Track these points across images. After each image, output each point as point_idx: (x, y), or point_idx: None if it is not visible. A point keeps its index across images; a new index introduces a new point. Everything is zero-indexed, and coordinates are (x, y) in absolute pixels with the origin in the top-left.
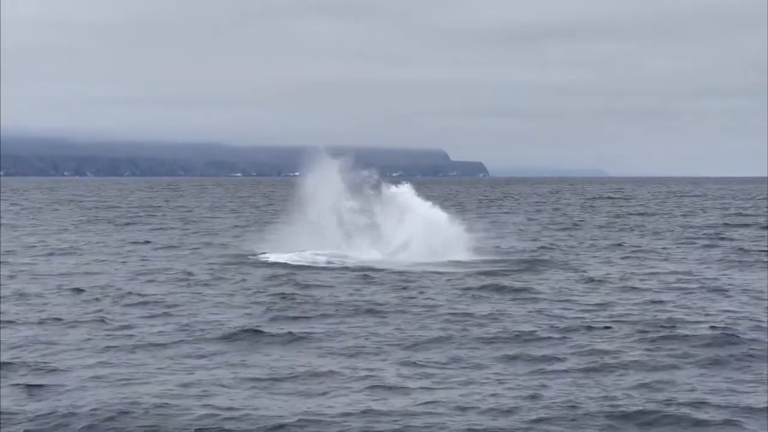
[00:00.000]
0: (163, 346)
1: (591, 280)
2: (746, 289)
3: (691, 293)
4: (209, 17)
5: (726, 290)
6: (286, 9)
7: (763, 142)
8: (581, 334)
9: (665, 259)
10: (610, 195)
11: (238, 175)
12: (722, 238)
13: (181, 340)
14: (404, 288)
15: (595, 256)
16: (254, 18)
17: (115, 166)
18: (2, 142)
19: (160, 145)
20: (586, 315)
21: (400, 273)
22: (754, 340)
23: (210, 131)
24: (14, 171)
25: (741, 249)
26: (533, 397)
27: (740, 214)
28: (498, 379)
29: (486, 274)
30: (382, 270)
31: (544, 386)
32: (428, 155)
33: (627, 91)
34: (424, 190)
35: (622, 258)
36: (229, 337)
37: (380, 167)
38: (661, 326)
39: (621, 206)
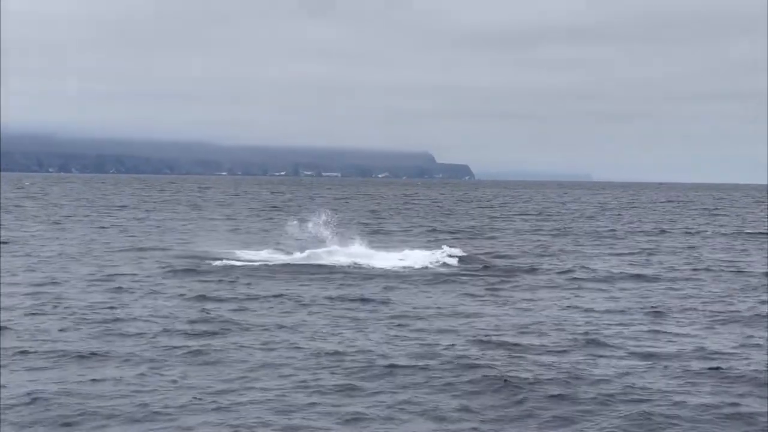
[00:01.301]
0: None
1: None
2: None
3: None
4: (196, 15)
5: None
6: (273, 9)
7: (757, 148)
8: None
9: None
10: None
11: (224, 173)
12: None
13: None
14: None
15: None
16: (242, 17)
17: (101, 163)
18: None
19: (146, 142)
20: None
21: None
22: None
23: (196, 130)
24: None
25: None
26: None
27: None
28: None
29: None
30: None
31: None
32: (414, 157)
33: (615, 95)
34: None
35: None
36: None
37: (367, 168)
38: None
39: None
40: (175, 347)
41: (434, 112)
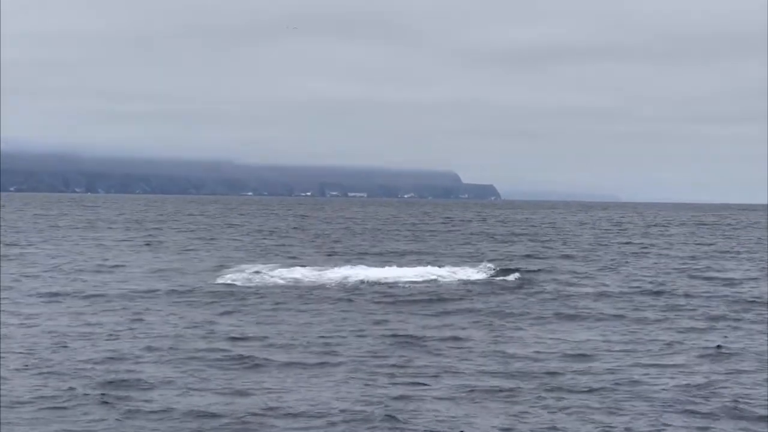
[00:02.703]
0: None
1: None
2: None
3: None
4: (219, 33)
5: None
6: (298, 27)
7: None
8: None
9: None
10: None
11: (250, 194)
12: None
13: None
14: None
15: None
16: (264, 36)
17: (127, 183)
18: (12, 157)
19: (172, 162)
20: None
21: None
22: None
23: (222, 149)
24: (24, 187)
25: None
26: None
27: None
28: None
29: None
30: None
31: None
32: (440, 177)
33: (641, 115)
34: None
35: None
36: None
37: (393, 188)
38: None
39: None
40: None
41: (459, 131)
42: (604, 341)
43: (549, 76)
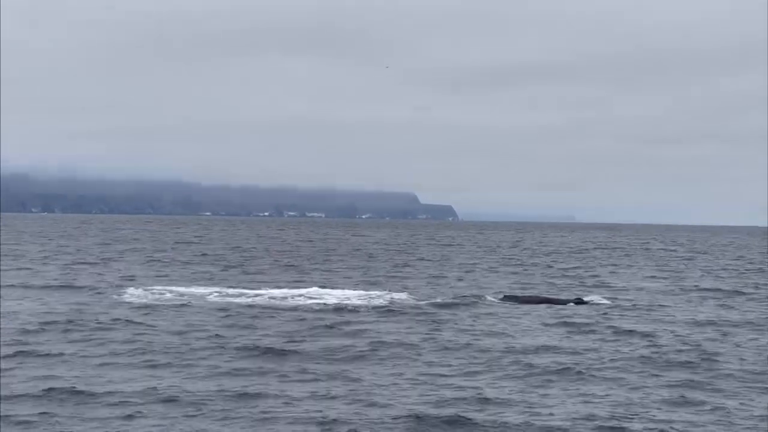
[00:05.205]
0: None
1: None
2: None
3: None
4: (176, 53)
5: None
6: (252, 46)
7: (740, 189)
8: None
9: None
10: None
11: (208, 214)
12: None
13: None
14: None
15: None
16: (222, 55)
17: (84, 203)
18: None
19: (129, 182)
20: None
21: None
22: None
23: (180, 169)
24: None
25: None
26: None
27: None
28: None
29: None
30: None
31: None
32: (398, 198)
33: (598, 136)
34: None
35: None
36: None
37: (351, 208)
38: None
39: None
40: None
41: (417, 151)
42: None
43: (507, 96)
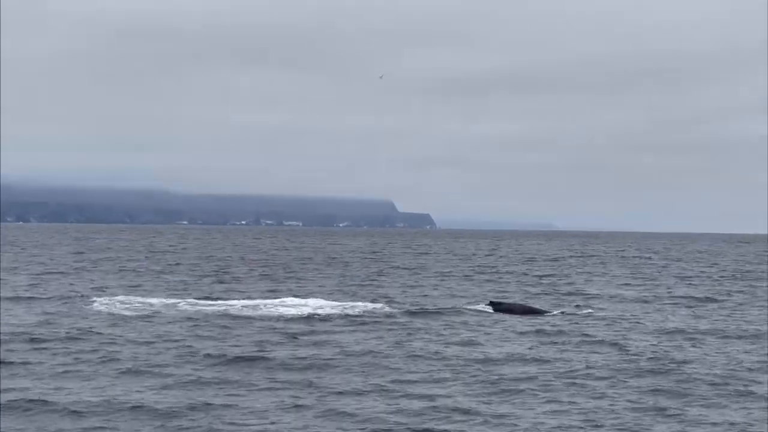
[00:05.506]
0: None
1: None
2: None
3: None
4: (154, 62)
5: None
6: (229, 56)
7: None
8: None
9: None
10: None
11: (185, 222)
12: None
13: None
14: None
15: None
16: (197, 64)
17: (61, 212)
18: None
19: (107, 191)
20: None
21: None
22: None
23: (158, 178)
24: None
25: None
26: None
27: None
28: None
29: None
30: None
31: None
32: (376, 206)
33: (574, 144)
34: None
35: None
36: None
37: (329, 217)
38: None
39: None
40: None
41: (396, 159)
42: None
43: (485, 105)
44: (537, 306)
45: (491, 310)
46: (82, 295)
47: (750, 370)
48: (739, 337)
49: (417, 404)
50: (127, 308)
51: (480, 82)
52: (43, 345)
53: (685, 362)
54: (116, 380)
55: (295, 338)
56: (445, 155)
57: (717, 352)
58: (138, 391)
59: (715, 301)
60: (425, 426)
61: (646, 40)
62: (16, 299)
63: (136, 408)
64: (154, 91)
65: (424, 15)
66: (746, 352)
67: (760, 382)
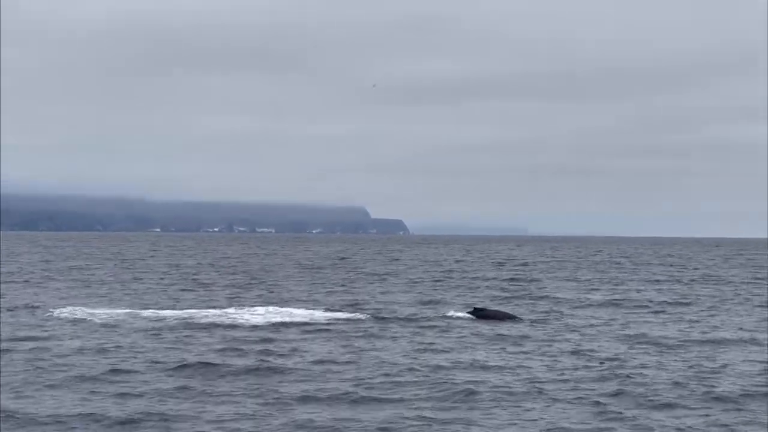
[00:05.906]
0: None
1: None
2: None
3: None
4: (127, 68)
5: None
6: (200, 61)
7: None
8: None
9: None
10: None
11: (157, 230)
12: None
13: None
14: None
15: None
16: (167, 71)
17: (32, 220)
18: None
19: (79, 199)
20: None
21: None
22: None
23: (130, 185)
24: None
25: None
26: None
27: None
28: None
29: None
30: None
31: None
32: (348, 212)
33: (547, 149)
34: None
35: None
36: None
37: (301, 223)
38: None
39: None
40: None
41: (368, 165)
42: None
43: (456, 110)
44: (509, 311)
45: (469, 317)
46: (44, 305)
47: (713, 373)
48: (703, 342)
49: (380, 413)
50: (89, 317)
51: (453, 88)
52: (1, 358)
53: (649, 366)
54: (74, 390)
55: (260, 346)
56: (417, 161)
57: (677, 359)
58: (95, 401)
59: (684, 304)
60: None
61: (625, 48)
62: None
63: (91, 417)
64: (126, 97)
65: (396, 22)
66: (707, 358)
67: (721, 387)
